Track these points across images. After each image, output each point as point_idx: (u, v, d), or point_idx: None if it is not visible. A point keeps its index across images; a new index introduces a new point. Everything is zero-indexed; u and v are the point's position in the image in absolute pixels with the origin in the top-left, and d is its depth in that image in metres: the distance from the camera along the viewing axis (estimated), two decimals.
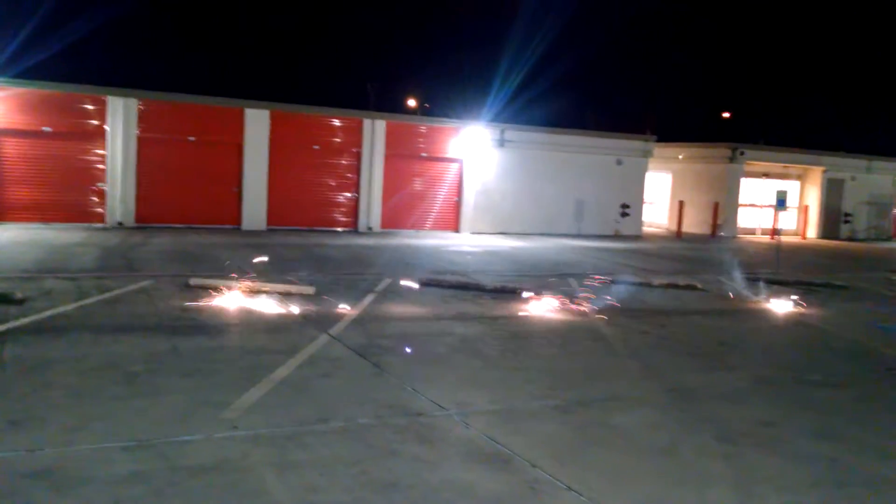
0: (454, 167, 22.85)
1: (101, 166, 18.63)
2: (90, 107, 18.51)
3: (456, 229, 22.87)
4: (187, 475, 4.55)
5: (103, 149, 18.58)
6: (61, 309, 8.94)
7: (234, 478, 4.55)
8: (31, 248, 13.93)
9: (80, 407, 5.65)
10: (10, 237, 15.42)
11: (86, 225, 18.38)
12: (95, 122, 18.54)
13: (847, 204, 30.74)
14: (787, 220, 29.43)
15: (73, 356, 6.98)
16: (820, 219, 30.21)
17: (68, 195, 18.42)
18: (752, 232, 29.47)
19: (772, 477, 5.09)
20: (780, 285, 14.50)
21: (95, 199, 18.69)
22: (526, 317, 10.31)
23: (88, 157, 18.58)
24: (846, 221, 30.75)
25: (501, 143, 23.18)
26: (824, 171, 30.04)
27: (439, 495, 4.49)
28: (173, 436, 5.15)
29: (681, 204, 26.81)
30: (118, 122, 18.58)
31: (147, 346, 7.54)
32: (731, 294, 13.21)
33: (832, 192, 30.38)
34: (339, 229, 21.33)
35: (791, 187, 29.29)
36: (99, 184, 18.64)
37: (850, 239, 30.33)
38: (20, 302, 9.01)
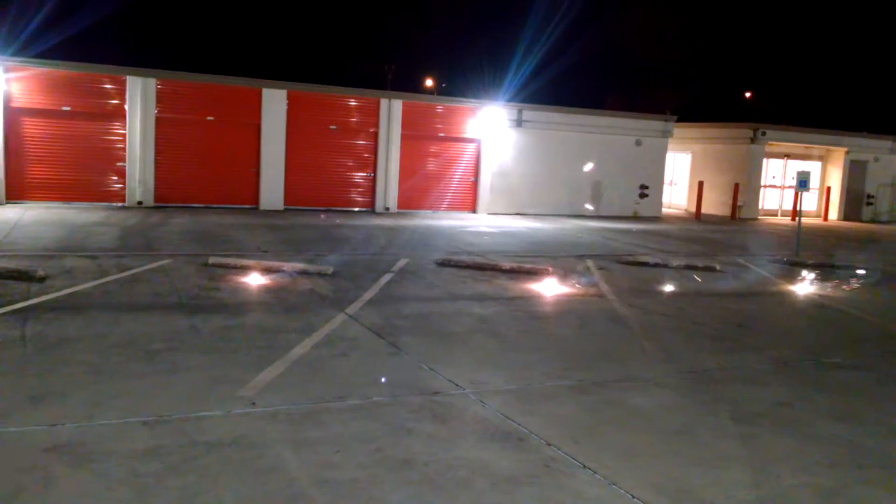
0: (471, 147, 22.74)
1: (120, 146, 18.74)
2: (109, 86, 18.59)
3: (473, 210, 22.81)
4: (205, 450, 4.60)
5: (123, 128, 18.67)
6: (81, 287, 9.03)
7: (251, 454, 4.60)
8: (51, 227, 14.08)
9: (100, 383, 5.72)
10: (32, 216, 15.58)
11: (106, 204, 18.53)
12: (115, 102, 18.63)
13: (870, 185, 30.29)
14: (809, 202, 29.06)
15: (92, 334, 7.07)
16: (842, 200, 29.78)
17: (88, 175, 18.55)
18: (773, 213, 29.15)
19: (789, 457, 5.06)
20: (800, 267, 14.37)
21: (115, 178, 18.83)
22: (542, 297, 10.28)
23: (108, 137, 18.70)
24: (869, 203, 30.31)
25: (519, 123, 23.02)
26: (847, 153, 29.57)
27: (454, 473, 4.51)
28: (192, 412, 5.20)
29: (700, 185, 26.51)
30: (137, 101, 18.65)
31: (166, 324, 7.61)
32: (750, 276, 13.09)
33: (855, 173, 29.91)
34: (357, 209, 21.36)
35: (813, 168, 28.90)
36: (119, 163, 18.77)
37: (873, 221, 29.91)
38: (41, 280, 9.14)
